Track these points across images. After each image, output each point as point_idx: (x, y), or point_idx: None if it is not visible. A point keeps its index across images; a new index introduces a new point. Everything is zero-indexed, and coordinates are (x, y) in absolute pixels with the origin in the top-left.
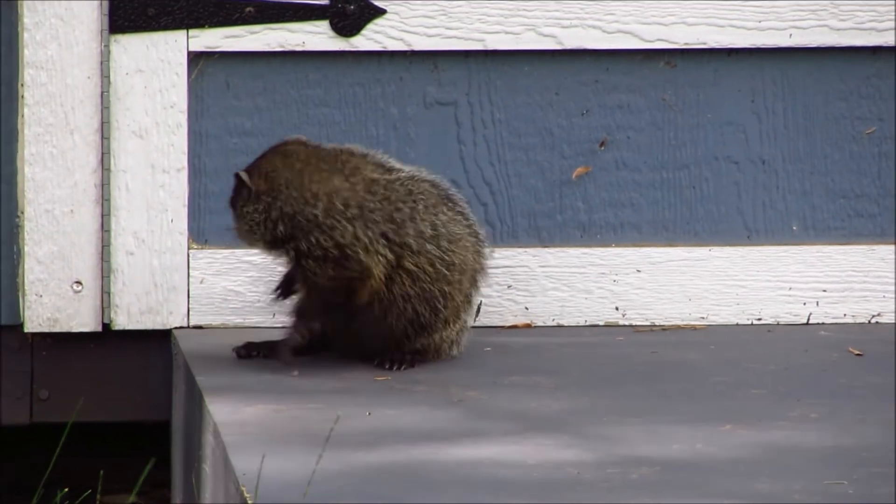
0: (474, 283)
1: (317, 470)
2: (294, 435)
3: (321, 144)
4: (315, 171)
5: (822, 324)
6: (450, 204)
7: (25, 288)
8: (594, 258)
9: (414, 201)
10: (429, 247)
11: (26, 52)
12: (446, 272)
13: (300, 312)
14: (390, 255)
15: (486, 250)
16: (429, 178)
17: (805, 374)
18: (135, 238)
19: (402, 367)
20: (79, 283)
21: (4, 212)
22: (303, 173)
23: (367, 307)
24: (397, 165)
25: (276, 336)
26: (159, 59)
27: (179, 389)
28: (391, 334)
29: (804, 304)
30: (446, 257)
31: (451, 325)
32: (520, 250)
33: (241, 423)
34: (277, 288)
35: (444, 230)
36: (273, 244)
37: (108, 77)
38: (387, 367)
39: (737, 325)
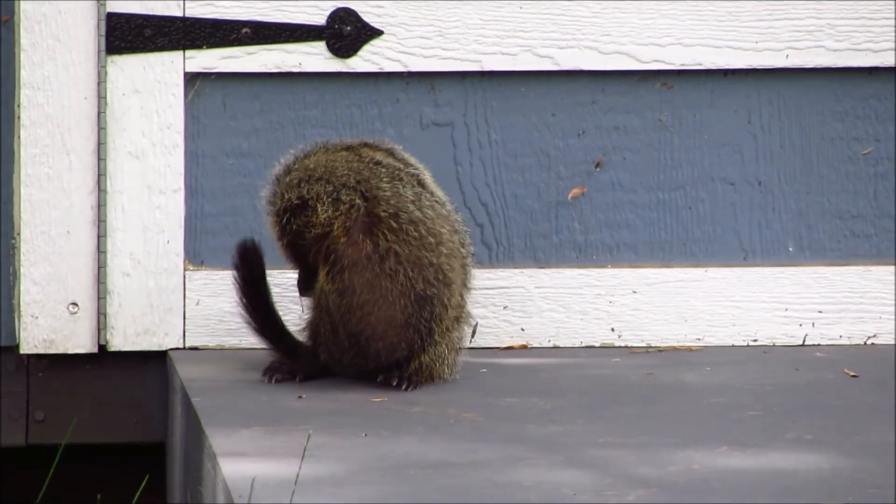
0: (465, 273)
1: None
2: (289, 456)
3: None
4: (317, 153)
5: (818, 345)
6: (434, 198)
7: (21, 309)
8: (590, 279)
9: (397, 177)
10: (411, 207)
11: (23, 72)
12: (432, 240)
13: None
14: (357, 201)
15: (470, 248)
16: (420, 176)
17: (801, 396)
18: (131, 259)
19: (406, 387)
20: (75, 304)
21: (1, 233)
22: (308, 157)
23: (358, 269)
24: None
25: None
26: (156, 80)
27: (175, 411)
28: (392, 311)
29: (800, 325)
30: (432, 226)
31: (451, 329)
32: (516, 271)
33: (236, 444)
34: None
35: (427, 203)
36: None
37: (105, 98)
38: (394, 383)
39: (733, 346)
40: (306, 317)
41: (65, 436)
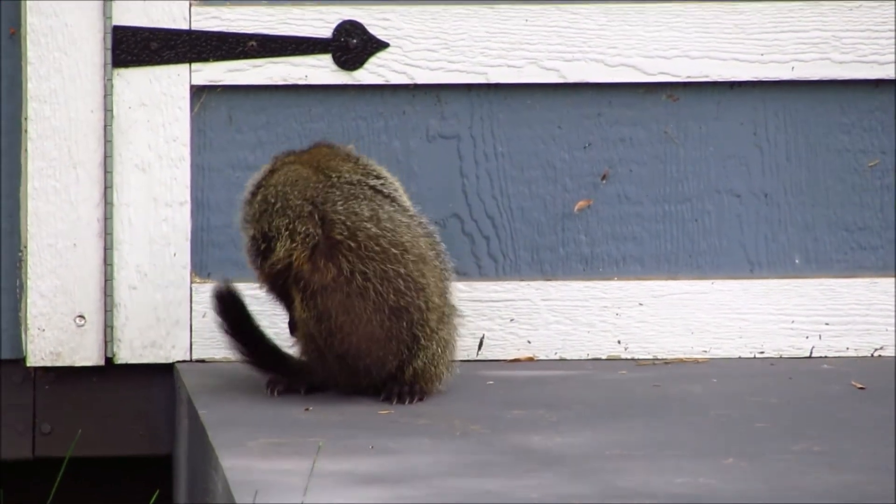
0: (440, 272)
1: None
2: (297, 468)
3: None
4: (277, 172)
5: (825, 357)
6: (395, 204)
7: (28, 322)
8: (596, 291)
9: (352, 195)
10: (367, 224)
11: (30, 85)
12: (395, 251)
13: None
14: (312, 230)
15: (441, 246)
16: (378, 188)
17: (808, 408)
18: (137, 272)
19: (408, 401)
20: (82, 317)
21: (7, 246)
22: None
23: (328, 293)
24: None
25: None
26: (162, 93)
27: (182, 423)
28: (370, 328)
29: (807, 337)
30: (393, 237)
31: (437, 329)
32: (522, 283)
33: (244, 457)
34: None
35: (385, 216)
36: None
37: (111, 111)
38: (394, 401)
39: (739, 358)
40: (297, 340)
41: (74, 449)
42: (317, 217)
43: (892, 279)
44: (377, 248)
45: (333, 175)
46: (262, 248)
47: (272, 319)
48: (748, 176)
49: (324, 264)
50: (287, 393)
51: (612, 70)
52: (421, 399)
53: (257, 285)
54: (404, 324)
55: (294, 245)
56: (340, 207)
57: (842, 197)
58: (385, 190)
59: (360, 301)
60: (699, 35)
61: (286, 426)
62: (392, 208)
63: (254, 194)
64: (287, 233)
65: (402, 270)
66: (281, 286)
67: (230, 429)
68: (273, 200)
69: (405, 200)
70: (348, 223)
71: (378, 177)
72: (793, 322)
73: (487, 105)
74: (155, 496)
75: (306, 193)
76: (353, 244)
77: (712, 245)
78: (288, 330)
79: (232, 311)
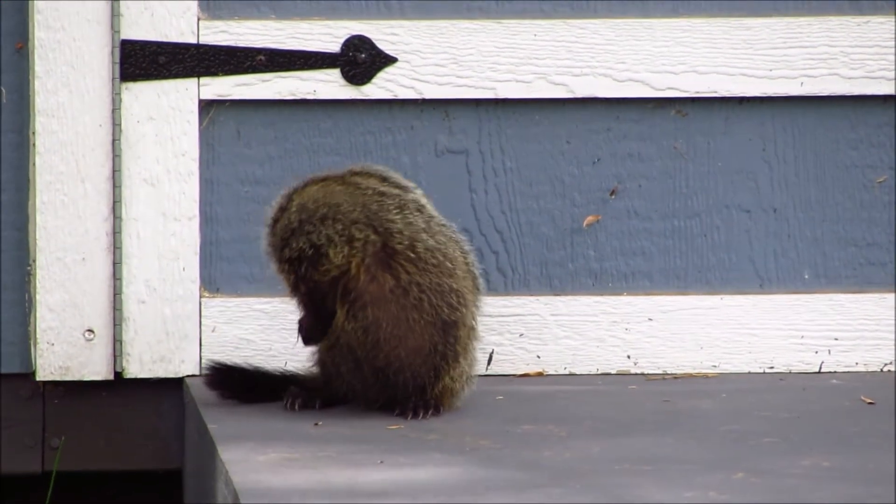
0: (475, 291)
1: None
2: (307, 483)
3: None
4: (309, 188)
5: (835, 372)
6: (438, 221)
7: (37, 336)
8: (606, 307)
9: (404, 206)
10: (424, 236)
11: (37, 99)
12: (449, 265)
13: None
14: (372, 236)
15: (475, 264)
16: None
17: (817, 423)
18: (146, 286)
19: (423, 415)
20: (90, 331)
21: (16, 260)
22: (302, 194)
23: (382, 305)
24: (404, 184)
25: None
26: (170, 107)
27: (191, 438)
28: (420, 341)
29: (816, 352)
30: (446, 251)
31: (469, 347)
32: (531, 298)
33: (253, 471)
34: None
35: (436, 228)
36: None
37: (119, 125)
38: (409, 416)
39: (749, 373)
40: (315, 356)
41: (83, 463)
42: (373, 223)
43: None
44: (433, 261)
45: (373, 187)
46: (310, 257)
47: (281, 334)
48: (757, 191)
49: (381, 274)
50: (303, 408)
51: (621, 85)
52: (436, 413)
53: (268, 299)
54: (450, 339)
55: (353, 252)
56: (396, 216)
57: (850, 213)
58: (423, 203)
59: (416, 313)
60: (707, 50)
61: (296, 441)
62: (437, 222)
63: (284, 209)
64: (342, 240)
65: (454, 285)
66: (321, 297)
67: (240, 443)
68: (315, 209)
69: (439, 216)
70: (406, 232)
71: (412, 191)
72: (802, 337)
73: (496, 120)
74: None
75: (355, 200)
76: (412, 254)
77: (721, 260)
78: (301, 341)
79: (227, 379)
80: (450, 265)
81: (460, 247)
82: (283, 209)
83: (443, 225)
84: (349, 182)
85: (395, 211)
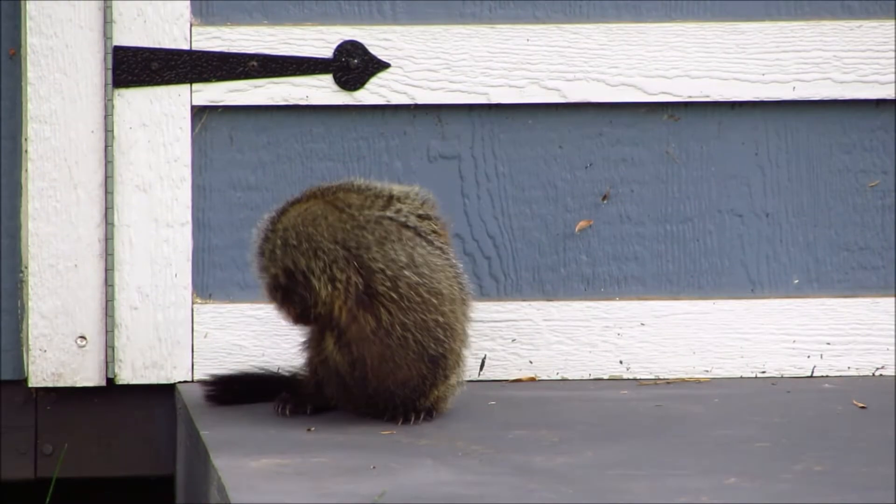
0: (466, 317)
1: None
2: (300, 489)
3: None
4: (293, 206)
5: (827, 376)
6: (425, 241)
7: (29, 343)
8: (598, 311)
9: (386, 238)
10: (406, 272)
11: (30, 105)
12: (435, 300)
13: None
14: (354, 278)
15: (468, 285)
16: (402, 221)
17: (809, 427)
18: (139, 293)
19: (414, 420)
20: (83, 337)
21: (8, 267)
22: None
23: (366, 344)
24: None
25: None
26: (163, 114)
27: (184, 444)
28: (408, 374)
29: (808, 356)
30: (431, 284)
31: (458, 362)
32: (524, 304)
33: (245, 478)
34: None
35: (420, 258)
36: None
37: (112, 131)
38: (399, 421)
39: (741, 377)
40: (307, 362)
41: (76, 469)
42: (354, 263)
43: (893, 299)
44: (417, 299)
45: (350, 220)
46: (296, 289)
47: (274, 339)
48: (749, 196)
49: (362, 315)
50: (294, 413)
51: (614, 90)
52: (428, 418)
53: (260, 305)
54: (439, 370)
55: (336, 293)
56: (376, 253)
57: (843, 217)
58: (411, 223)
59: (401, 351)
60: (700, 55)
61: (289, 447)
62: (423, 249)
63: (267, 238)
64: (325, 277)
65: (440, 319)
66: (312, 321)
67: (232, 449)
68: (296, 244)
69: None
70: (388, 271)
71: (404, 200)
72: (794, 341)
73: (489, 125)
74: None
75: (335, 233)
76: (394, 295)
77: (714, 265)
78: (294, 349)
79: (224, 391)
80: (435, 300)
81: (448, 261)
82: (266, 238)
83: (429, 248)
84: (330, 203)
85: (375, 246)
